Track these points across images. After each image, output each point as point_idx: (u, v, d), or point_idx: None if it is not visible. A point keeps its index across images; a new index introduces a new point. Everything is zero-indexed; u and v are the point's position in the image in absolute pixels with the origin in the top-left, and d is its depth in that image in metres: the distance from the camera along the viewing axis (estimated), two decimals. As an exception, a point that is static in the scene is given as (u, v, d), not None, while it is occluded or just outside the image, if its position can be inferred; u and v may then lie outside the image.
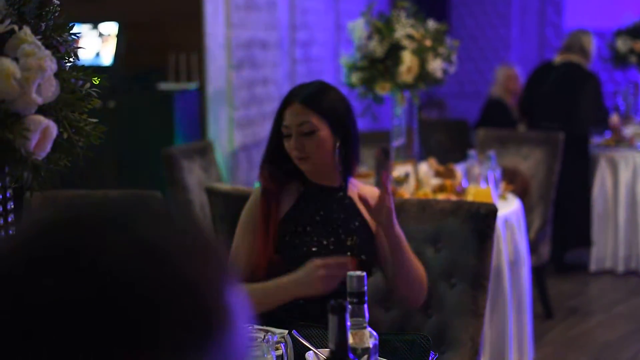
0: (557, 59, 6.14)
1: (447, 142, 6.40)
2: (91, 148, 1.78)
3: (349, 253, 2.34)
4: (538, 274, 4.82)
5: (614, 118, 6.32)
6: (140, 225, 0.70)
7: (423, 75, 4.08)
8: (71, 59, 1.78)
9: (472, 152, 4.27)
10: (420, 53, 4.05)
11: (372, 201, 2.33)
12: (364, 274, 1.64)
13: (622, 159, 5.89)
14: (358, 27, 4.12)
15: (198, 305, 0.67)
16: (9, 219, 1.75)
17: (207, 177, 4.44)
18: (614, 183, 5.88)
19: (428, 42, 4.10)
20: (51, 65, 1.65)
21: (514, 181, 4.67)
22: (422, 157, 4.85)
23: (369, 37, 4.10)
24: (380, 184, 2.31)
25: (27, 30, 1.66)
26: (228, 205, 2.98)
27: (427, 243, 2.66)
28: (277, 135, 2.38)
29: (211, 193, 3.18)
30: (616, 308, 5.25)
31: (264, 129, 2.34)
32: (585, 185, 5.87)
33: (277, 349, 1.82)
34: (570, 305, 5.30)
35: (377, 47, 4.06)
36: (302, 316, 2.18)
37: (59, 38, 1.76)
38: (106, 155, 4.88)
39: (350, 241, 2.37)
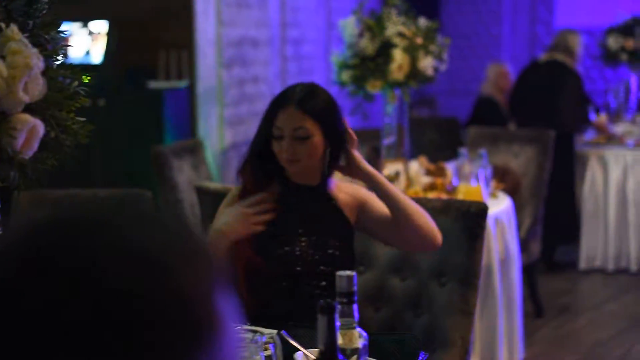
0: (543, 57, 6.16)
1: (437, 140, 6.38)
2: (80, 146, 1.77)
3: (330, 251, 2.33)
4: (528, 272, 4.82)
5: (601, 117, 6.32)
6: (131, 228, 0.70)
7: (414, 73, 4.08)
8: (59, 57, 1.77)
9: (462, 150, 4.27)
10: (411, 51, 4.05)
11: (351, 199, 2.37)
12: (354, 273, 1.62)
13: (612, 157, 5.89)
14: (349, 25, 4.12)
15: (188, 310, 0.67)
16: (-3, 219, 1.74)
17: (197, 176, 4.42)
18: (604, 181, 5.89)
19: (419, 40, 4.09)
20: (38, 63, 1.64)
21: (504, 179, 4.66)
22: (413, 155, 4.84)
23: (360, 35, 4.09)
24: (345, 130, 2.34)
25: (14, 27, 1.65)
26: (218, 204, 2.95)
27: (418, 242, 2.65)
28: (266, 135, 2.35)
29: (201, 192, 3.17)
30: (606, 306, 5.25)
31: (255, 128, 2.32)
32: (570, 183, 5.87)
33: (265, 349, 1.81)
34: (561, 303, 5.30)
35: (368, 45, 4.05)
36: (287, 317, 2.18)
37: (46, 36, 1.74)
38: (95, 153, 4.86)
39: (331, 238, 2.35)
